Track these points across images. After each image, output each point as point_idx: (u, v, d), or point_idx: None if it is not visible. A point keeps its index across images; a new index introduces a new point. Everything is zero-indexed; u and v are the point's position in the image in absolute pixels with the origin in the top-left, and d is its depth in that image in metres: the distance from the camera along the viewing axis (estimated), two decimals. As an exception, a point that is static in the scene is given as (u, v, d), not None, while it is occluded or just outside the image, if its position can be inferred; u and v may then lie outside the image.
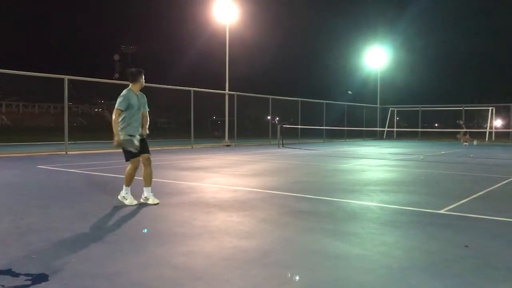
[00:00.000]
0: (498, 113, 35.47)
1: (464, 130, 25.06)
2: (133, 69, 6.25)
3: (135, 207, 5.89)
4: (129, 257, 3.72)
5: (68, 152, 15.72)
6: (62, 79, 15.99)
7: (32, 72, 15.98)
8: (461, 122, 25.83)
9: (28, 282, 3.07)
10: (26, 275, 3.21)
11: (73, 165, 11.35)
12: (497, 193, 7.40)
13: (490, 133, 31.70)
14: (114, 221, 5.08)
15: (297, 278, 3.25)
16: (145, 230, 4.60)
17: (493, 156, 16.51)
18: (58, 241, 4.17)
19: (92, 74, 18.47)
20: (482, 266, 3.55)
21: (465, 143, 24.58)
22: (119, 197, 6.15)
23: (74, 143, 18.69)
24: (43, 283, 3.06)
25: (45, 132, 27.55)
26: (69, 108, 18.69)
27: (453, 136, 30.71)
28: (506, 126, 35.77)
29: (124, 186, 6.13)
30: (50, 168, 10.84)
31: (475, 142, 25.26)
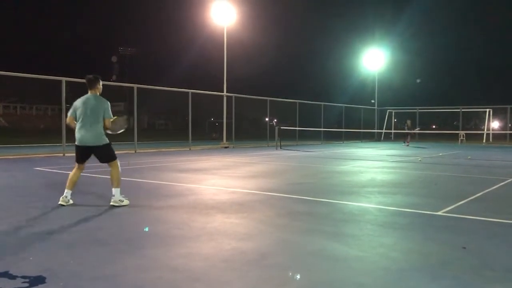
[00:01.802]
0: (496, 115, 35.54)
1: (409, 131, 26.34)
2: (91, 76, 6.24)
3: (133, 209, 5.88)
4: (127, 258, 3.71)
5: (66, 154, 15.68)
6: (60, 81, 15.98)
7: (29, 74, 15.97)
8: (408, 122, 27.05)
9: (26, 284, 3.06)
10: (23, 277, 3.20)
11: (70, 167, 11.25)
12: (495, 194, 7.42)
13: (488, 134, 31.77)
14: (112, 223, 5.07)
15: (297, 277, 3.25)
16: (147, 229, 4.61)
17: (490, 157, 16.55)
18: (55, 243, 4.16)
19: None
20: (479, 267, 3.56)
21: (406, 144, 25.96)
22: (113, 203, 6.02)
23: (72, 145, 18.62)
24: (41, 285, 3.06)
25: (42, 134, 27.49)
26: (67, 110, 18.66)
27: (452, 137, 30.78)
28: (503, 128, 35.84)
29: (116, 188, 6.10)
30: (48, 170, 10.83)
31: (408, 144, 26.26)
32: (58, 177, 9.49)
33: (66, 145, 16.14)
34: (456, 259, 3.78)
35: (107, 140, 6.14)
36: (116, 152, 6.30)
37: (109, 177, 6.25)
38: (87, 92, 6.22)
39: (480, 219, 5.40)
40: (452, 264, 3.64)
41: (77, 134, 6.08)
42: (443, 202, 6.43)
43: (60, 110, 16.73)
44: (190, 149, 20.11)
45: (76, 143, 6.15)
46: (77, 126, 6.07)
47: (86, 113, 6.01)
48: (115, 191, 6.08)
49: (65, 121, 6.18)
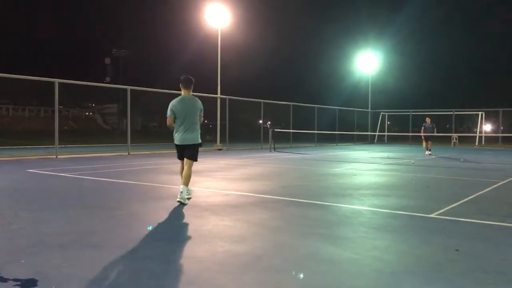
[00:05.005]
0: (488, 118, 35.83)
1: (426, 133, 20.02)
2: (188, 77, 6.75)
3: (126, 212, 5.86)
4: (120, 262, 3.69)
5: (59, 156, 15.60)
6: (53, 83, 15.90)
7: (22, 75, 15.87)
8: (427, 119, 20.21)
9: (18, 288, 3.03)
10: (14, 280, 3.17)
11: (63, 169, 11.26)
12: (487, 197, 7.46)
13: (480, 137, 31.98)
14: (104, 226, 5.04)
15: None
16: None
17: (483, 160, 16.65)
18: (47, 246, 4.13)
19: (83, 77, 18.37)
20: (472, 269, 3.58)
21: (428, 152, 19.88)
22: (180, 199, 6.34)
23: (65, 147, 18.56)
24: (33, 289, 3.03)
25: (35, 135, 27.32)
26: (60, 111, 18.55)
27: (445, 140, 30.94)
28: (495, 130, 36.11)
29: (185, 186, 6.50)
30: (40, 172, 10.76)
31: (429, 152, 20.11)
32: (51, 179, 9.43)
33: (59, 147, 16.06)
34: (449, 261, 3.79)
35: (200, 140, 6.72)
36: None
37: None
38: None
39: (473, 221, 5.43)
40: (445, 266, 3.65)
41: (180, 135, 6.55)
42: (436, 205, 6.45)
43: (53, 111, 16.65)
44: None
45: (177, 143, 6.62)
46: (179, 127, 6.54)
47: (187, 115, 6.54)
48: (183, 188, 6.43)
49: (167, 123, 6.70)
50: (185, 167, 6.58)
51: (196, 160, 6.72)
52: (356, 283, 3.25)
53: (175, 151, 6.82)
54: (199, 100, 6.76)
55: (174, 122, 6.59)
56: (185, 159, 6.63)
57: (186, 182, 6.50)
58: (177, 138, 6.61)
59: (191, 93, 6.79)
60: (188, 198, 6.53)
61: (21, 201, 6.71)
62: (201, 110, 6.74)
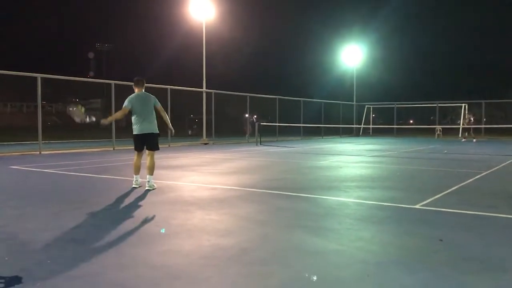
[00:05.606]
0: (471, 109, 36.26)
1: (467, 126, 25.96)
2: (140, 78, 7.55)
3: (112, 207, 5.82)
4: (105, 257, 3.67)
5: (42, 152, 15.41)
6: (35, 78, 15.66)
7: (3, 70, 15.59)
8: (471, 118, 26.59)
9: (1, 285, 3.00)
10: (-1, 278, 3.14)
11: (47, 165, 11.13)
12: (470, 188, 7.57)
13: (463, 129, 32.34)
14: (89, 221, 5.01)
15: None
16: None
17: (465, 151, 16.88)
18: (32, 243, 4.08)
19: (66, 72, 18.06)
20: (455, 259, 3.64)
21: (464, 139, 25.93)
22: (149, 187, 7.16)
23: (48, 142, 18.31)
24: (17, 285, 3.00)
25: (17, 131, 26.88)
26: (43, 107, 18.30)
27: (428, 132, 31.24)
28: (478, 122, 36.61)
29: (151, 176, 7.29)
30: (23, 168, 10.61)
31: (474, 140, 25.79)
32: (35, 176, 9.32)
33: (42, 143, 15.86)
34: (432, 251, 3.85)
35: (158, 130, 7.40)
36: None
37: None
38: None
39: (456, 211, 5.51)
40: (429, 256, 3.71)
41: (139, 126, 7.20)
42: (420, 196, 6.53)
43: (36, 107, 16.40)
44: (169, 146, 19.96)
45: (137, 133, 7.23)
46: (138, 118, 7.18)
47: (144, 107, 7.24)
48: (149, 177, 7.18)
49: (116, 113, 7.69)
50: (148, 158, 7.26)
51: (158, 149, 7.43)
52: (341, 274, 3.28)
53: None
54: (151, 95, 7.54)
55: (131, 114, 7.25)
56: (147, 151, 7.31)
57: (152, 172, 7.22)
58: (137, 128, 7.23)
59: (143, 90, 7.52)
60: (153, 189, 7.12)
61: (3, 198, 6.61)
62: (155, 101, 7.44)
